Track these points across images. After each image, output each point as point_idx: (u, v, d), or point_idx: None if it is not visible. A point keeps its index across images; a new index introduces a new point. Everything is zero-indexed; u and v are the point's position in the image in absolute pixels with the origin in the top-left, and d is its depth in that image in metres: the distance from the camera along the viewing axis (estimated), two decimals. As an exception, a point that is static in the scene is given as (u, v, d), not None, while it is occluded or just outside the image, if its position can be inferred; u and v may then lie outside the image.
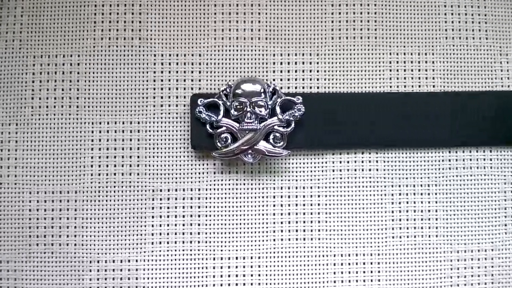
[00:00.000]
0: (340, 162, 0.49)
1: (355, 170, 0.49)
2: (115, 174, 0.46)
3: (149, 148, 0.47)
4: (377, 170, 0.49)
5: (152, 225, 0.47)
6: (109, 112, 0.47)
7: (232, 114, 0.46)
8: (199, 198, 0.46)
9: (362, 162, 0.49)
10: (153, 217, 0.47)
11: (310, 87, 0.49)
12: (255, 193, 0.47)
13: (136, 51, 0.47)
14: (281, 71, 0.48)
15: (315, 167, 0.49)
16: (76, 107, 0.48)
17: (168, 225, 0.46)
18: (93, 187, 0.47)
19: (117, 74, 0.48)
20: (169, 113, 0.48)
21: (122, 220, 0.47)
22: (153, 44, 0.47)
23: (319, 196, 0.49)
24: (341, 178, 0.49)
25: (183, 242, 0.48)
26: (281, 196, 0.48)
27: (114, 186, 0.48)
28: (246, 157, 0.46)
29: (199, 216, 0.47)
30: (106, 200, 0.46)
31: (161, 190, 0.46)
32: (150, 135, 0.47)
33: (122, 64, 0.47)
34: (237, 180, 0.48)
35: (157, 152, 0.46)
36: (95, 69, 0.47)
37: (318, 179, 0.49)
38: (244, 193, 0.47)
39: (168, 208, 0.46)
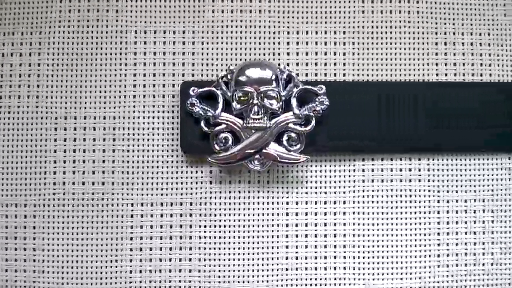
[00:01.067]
0: (373, 171, 0.38)
1: (391, 180, 0.38)
2: (83, 183, 0.36)
3: (127, 150, 0.36)
4: (419, 181, 0.38)
5: (131, 249, 0.37)
6: (77, 104, 0.37)
7: (234, 108, 0.35)
8: (191, 216, 0.36)
9: (401, 170, 0.38)
10: (131, 238, 0.37)
11: (335, 74, 0.38)
12: (263, 210, 0.37)
13: (111, 26, 0.37)
14: (297, 54, 0.38)
15: (340, 176, 0.38)
16: (36, 98, 0.37)
17: (150, 249, 0.36)
18: (56, 199, 0.36)
19: (88, 56, 0.37)
20: (153, 106, 0.38)
21: (92, 243, 0.37)
22: (133, 18, 0.37)
23: (345, 213, 0.38)
24: (373, 191, 0.38)
25: (170, 271, 0.37)
26: (296, 214, 0.37)
27: (83, 199, 0.37)
28: (252, 164, 0.35)
29: (190, 238, 0.36)
30: (72, 216, 0.36)
31: (142, 205, 0.36)
32: (128, 134, 0.36)
33: (93, 43, 0.37)
34: (239, 193, 0.38)
35: (138, 156, 0.36)
36: (59, 49, 0.37)
37: (344, 192, 0.38)
38: (249, 210, 0.37)
39: (151, 227, 0.36)
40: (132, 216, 0.37)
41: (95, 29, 0.38)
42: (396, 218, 0.38)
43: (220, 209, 0.38)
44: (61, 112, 0.38)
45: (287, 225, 0.38)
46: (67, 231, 0.37)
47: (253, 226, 0.38)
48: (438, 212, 0.39)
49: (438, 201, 0.39)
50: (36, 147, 0.38)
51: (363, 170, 0.38)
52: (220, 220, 0.38)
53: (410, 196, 0.38)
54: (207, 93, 0.36)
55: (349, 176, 0.38)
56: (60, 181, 0.38)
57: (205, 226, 0.37)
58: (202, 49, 0.38)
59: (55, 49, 0.38)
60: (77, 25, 0.38)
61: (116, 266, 0.37)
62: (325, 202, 0.38)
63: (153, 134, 0.38)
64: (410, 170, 0.39)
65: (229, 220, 0.38)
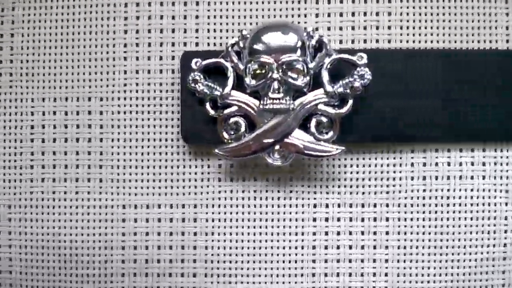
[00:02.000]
0: (424, 165, 0.30)
1: (448, 177, 0.30)
2: (65, 180, 0.29)
3: (117, 139, 0.29)
4: (483, 178, 0.30)
5: (123, 261, 0.30)
6: (56, 83, 0.29)
7: (248, 85, 0.27)
8: (195, 221, 0.28)
9: (460, 165, 0.30)
10: (123, 248, 0.30)
11: (377, 41, 0.30)
12: (285, 214, 0.29)
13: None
14: (328, 14, 0.29)
15: (383, 172, 0.30)
16: (9, 75, 0.30)
17: (146, 261, 0.29)
18: (34, 199, 0.30)
19: (68, 23, 0.30)
20: (148, 85, 0.30)
21: (77, 252, 0.30)
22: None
23: (387, 219, 0.30)
24: (424, 191, 0.30)
25: (171, 288, 0.30)
26: (326, 220, 0.29)
27: (65, 199, 0.30)
28: (271, 157, 0.28)
29: (194, 248, 0.29)
30: (54, 220, 0.30)
31: (135, 207, 0.29)
32: (118, 120, 0.29)
33: (76, 6, 0.29)
34: (255, 193, 0.30)
35: (130, 147, 0.30)
36: (36, 16, 0.30)
37: (388, 193, 0.30)
38: (266, 215, 0.30)
39: (146, 235, 0.29)
40: (123, 220, 0.30)
41: (77, -11, 0.31)
42: (453, 226, 0.30)
43: (231, 213, 0.30)
44: (38, 93, 0.31)
45: (314, 234, 0.30)
46: (46, 237, 0.31)
47: (273, 234, 0.30)
48: (506, 218, 0.30)
49: (507, 204, 0.30)
50: (10, 136, 0.31)
51: (412, 165, 0.30)
52: (231, 227, 0.30)
53: (471, 197, 0.30)
54: (214, 66, 0.28)
55: (394, 172, 0.30)
56: (38, 177, 0.31)
57: (212, 234, 0.30)
58: (209, 10, 0.30)
59: (31, 17, 0.31)
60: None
61: (106, 282, 0.30)
62: (362, 205, 0.30)
63: (148, 120, 0.30)
64: (472, 164, 0.30)
65: (243, 227, 0.30)
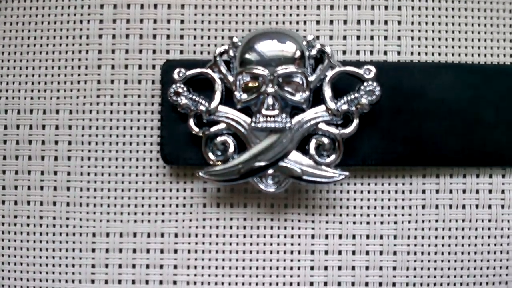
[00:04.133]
0: (437, 192, 0.27)
1: (463, 206, 0.27)
2: (28, 202, 0.26)
3: (87, 158, 0.26)
4: (502, 207, 0.27)
5: (91, 298, 0.26)
6: (21, 93, 0.26)
7: (238, 99, 0.24)
8: (175, 252, 0.25)
9: (477, 192, 0.27)
10: (93, 281, 0.26)
11: (385, 52, 0.27)
12: (279, 246, 0.26)
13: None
14: (331, 22, 0.26)
15: (390, 200, 0.26)
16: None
17: (118, 299, 0.25)
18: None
19: (37, 26, 0.26)
20: (124, 96, 0.27)
21: (42, 285, 0.26)
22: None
23: (395, 253, 0.26)
24: (437, 221, 0.27)
25: (147, 330, 0.26)
26: (326, 253, 0.26)
27: (27, 224, 0.27)
28: (264, 183, 0.24)
29: (174, 283, 0.26)
30: (15, 248, 0.26)
31: (107, 235, 0.25)
32: (89, 136, 0.26)
33: (46, 8, 0.26)
34: (245, 220, 0.26)
35: (102, 167, 0.27)
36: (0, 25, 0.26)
37: (396, 223, 0.26)
38: (257, 246, 0.26)
39: (119, 267, 0.25)
40: (93, 250, 0.27)
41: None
42: (469, 261, 0.26)
43: (217, 244, 0.26)
44: (0, 104, 0.27)
45: (312, 268, 0.26)
46: (7, 267, 0.27)
47: (264, 269, 0.26)
48: None
49: None
50: (-33, 151, 0.27)
51: (423, 192, 0.27)
52: (216, 260, 0.26)
53: (489, 229, 0.26)
54: (200, 77, 0.24)
55: (403, 199, 0.27)
56: (-5, 199, 0.27)
57: (195, 267, 0.26)
58: (195, 14, 0.27)
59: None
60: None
61: (70, 322, 0.26)
62: (367, 237, 0.27)
63: (123, 136, 0.27)
64: (490, 192, 0.27)
65: (230, 260, 0.26)
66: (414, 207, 0.27)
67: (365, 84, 0.24)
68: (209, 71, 0.24)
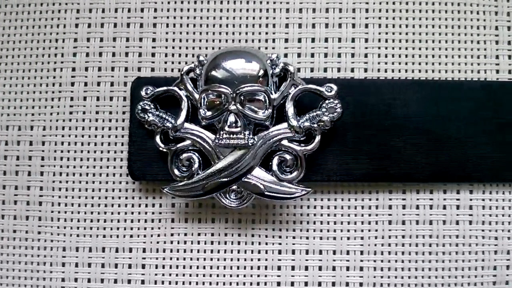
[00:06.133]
0: (404, 208, 0.27)
1: (430, 222, 0.27)
2: (2, 216, 0.27)
3: (59, 173, 0.28)
4: (469, 223, 0.27)
5: (60, 312, 0.26)
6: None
7: (203, 116, 0.24)
8: (143, 267, 0.25)
9: (444, 208, 0.27)
10: (62, 296, 0.26)
11: (352, 70, 0.27)
12: (246, 261, 0.26)
13: (46, 5, 0.27)
14: (299, 40, 0.27)
15: (356, 216, 0.27)
16: None
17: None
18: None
19: (9, 45, 0.27)
20: (96, 113, 0.27)
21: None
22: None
23: (362, 269, 0.26)
24: (403, 237, 0.27)
25: None
26: (293, 268, 0.26)
27: (1, 238, 0.27)
28: (227, 198, 0.24)
29: (143, 299, 0.26)
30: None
31: (77, 250, 0.25)
32: (62, 151, 0.26)
33: (24, 24, 0.27)
34: (212, 236, 0.27)
35: (73, 182, 0.28)
36: None
37: (362, 238, 0.27)
38: (224, 262, 0.27)
39: (88, 281, 0.26)
40: (63, 264, 0.27)
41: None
42: (436, 277, 0.26)
43: (184, 259, 0.27)
44: (-24, 118, 0.28)
45: (278, 284, 0.27)
46: (-21, 280, 0.27)
47: (231, 284, 0.27)
48: (495, 268, 0.27)
49: (496, 252, 0.27)
50: None
51: (390, 207, 0.27)
52: (184, 275, 0.27)
53: (457, 245, 0.27)
54: (166, 94, 0.25)
55: (369, 215, 0.27)
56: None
57: (162, 283, 0.26)
58: (167, 32, 0.28)
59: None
60: None
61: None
62: (334, 252, 0.27)
63: (94, 152, 0.27)
64: (457, 207, 0.27)
65: (197, 276, 0.27)
66: (380, 222, 0.27)
67: (326, 101, 0.24)
68: (175, 89, 0.25)
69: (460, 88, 0.27)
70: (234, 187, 0.24)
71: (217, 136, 0.24)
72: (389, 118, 0.26)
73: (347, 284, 0.27)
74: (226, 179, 0.24)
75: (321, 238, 0.27)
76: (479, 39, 0.28)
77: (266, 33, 0.27)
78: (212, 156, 0.24)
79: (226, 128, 0.23)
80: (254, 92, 0.24)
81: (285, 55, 0.27)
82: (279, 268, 0.27)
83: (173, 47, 0.27)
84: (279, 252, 0.27)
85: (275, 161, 0.24)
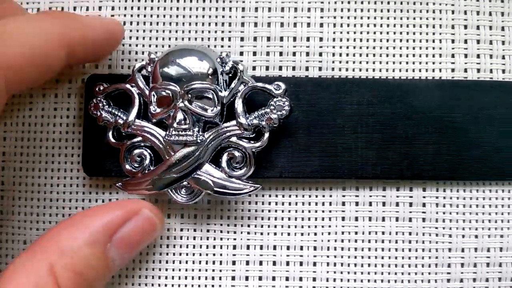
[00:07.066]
0: (357, 204, 0.27)
1: (383, 219, 0.27)
2: None
3: (19, 168, 0.28)
4: (423, 220, 0.27)
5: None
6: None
7: (152, 113, 0.24)
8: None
9: (397, 205, 0.27)
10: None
11: (307, 68, 0.27)
12: (202, 255, 0.26)
13: None
14: (255, 38, 0.27)
15: (310, 212, 0.27)
16: None
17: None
18: None
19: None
20: (54, 109, 0.28)
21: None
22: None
23: (315, 264, 0.27)
24: (356, 233, 0.27)
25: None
26: (247, 263, 0.26)
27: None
28: (177, 194, 0.25)
29: (99, 292, 0.26)
30: None
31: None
32: (22, 147, 0.27)
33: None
34: (168, 231, 0.27)
35: (32, 177, 0.28)
36: None
37: (316, 234, 0.27)
38: (180, 255, 0.27)
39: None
40: (22, 258, 0.27)
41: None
42: (389, 273, 0.27)
43: (140, 254, 0.27)
44: None
45: (233, 278, 0.27)
46: None
47: (186, 278, 0.27)
48: (449, 266, 0.27)
49: (450, 249, 0.27)
50: None
51: (343, 204, 0.27)
52: (140, 269, 0.27)
53: (410, 242, 0.27)
54: (119, 91, 0.25)
55: (323, 211, 0.27)
56: None
57: (119, 277, 0.27)
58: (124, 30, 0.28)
59: None
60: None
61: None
62: (287, 248, 0.27)
63: (53, 148, 0.28)
64: (410, 205, 0.27)
65: (153, 270, 0.27)
66: (334, 219, 0.27)
67: (274, 99, 0.25)
68: (128, 86, 0.25)
69: (415, 87, 0.27)
70: (185, 183, 0.25)
71: (167, 132, 0.24)
72: (341, 116, 0.26)
73: (300, 279, 0.27)
74: (176, 175, 0.24)
75: (275, 234, 0.27)
76: (435, 38, 0.28)
77: (222, 32, 0.28)
78: (163, 153, 0.25)
79: (175, 125, 0.24)
80: (203, 90, 0.24)
81: (241, 54, 0.28)
82: (233, 263, 0.27)
83: (129, 45, 0.28)
84: (234, 247, 0.27)
85: (224, 157, 0.25)
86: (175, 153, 0.24)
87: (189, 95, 0.24)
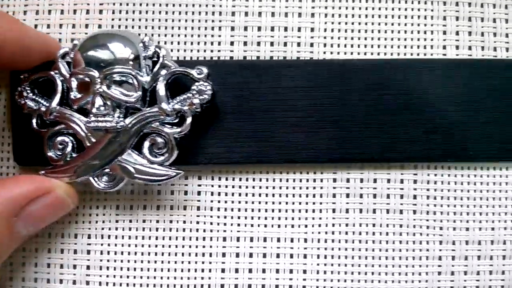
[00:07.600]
0: (347, 196, 0.27)
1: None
2: None
3: None
4: (414, 212, 0.26)
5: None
6: None
7: (72, 99, 0.24)
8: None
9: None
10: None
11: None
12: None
13: None
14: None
15: (300, 203, 0.26)
16: None
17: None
18: None
19: None
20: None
21: None
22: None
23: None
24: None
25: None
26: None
27: None
28: (98, 181, 0.24)
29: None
30: None
31: None
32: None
33: None
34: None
35: None
36: None
37: (306, 226, 0.26)
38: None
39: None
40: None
41: None
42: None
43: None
44: None
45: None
46: None
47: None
48: (440, 258, 0.26)
49: (441, 242, 0.26)
50: None
51: (334, 196, 0.26)
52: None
53: (400, 234, 0.26)
54: (44, 78, 0.25)
55: (314, 203, 0.26)
56: None
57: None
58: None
59: None
60: None
61: None
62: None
63: (-11, 137, 0.27)
64: (401, 197, 0.26)
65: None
66: (324, 211, 0.26)
67: (196, 84, 0.24)
68: (52, 73, 0.25)
69: (353, 67, 0.26)
70: (107, 170, 0.24)
71: (88, 119, 0.24)
72: (269, 101, 0.25)
73: (291, 271, 0.26)
74: (97, 162, 0.24)
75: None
76: (426, 29, 0.27)
77: (212, 21, 0.27)
78: (84, 139, 0.24)
79: (94, 111, 0.23)
80: (123, 75, 0.23)
81: (231, 43, 0.26)
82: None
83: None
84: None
85: (146, 144, 0.24)
86: (96, 140, 0.24)
87: (108, 80, 0.23)
